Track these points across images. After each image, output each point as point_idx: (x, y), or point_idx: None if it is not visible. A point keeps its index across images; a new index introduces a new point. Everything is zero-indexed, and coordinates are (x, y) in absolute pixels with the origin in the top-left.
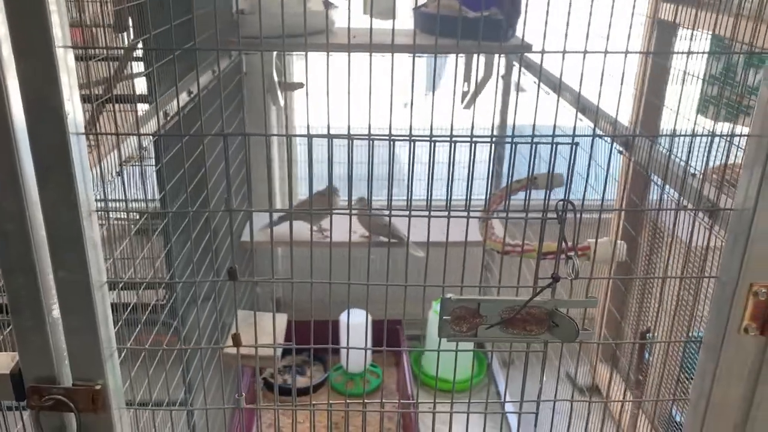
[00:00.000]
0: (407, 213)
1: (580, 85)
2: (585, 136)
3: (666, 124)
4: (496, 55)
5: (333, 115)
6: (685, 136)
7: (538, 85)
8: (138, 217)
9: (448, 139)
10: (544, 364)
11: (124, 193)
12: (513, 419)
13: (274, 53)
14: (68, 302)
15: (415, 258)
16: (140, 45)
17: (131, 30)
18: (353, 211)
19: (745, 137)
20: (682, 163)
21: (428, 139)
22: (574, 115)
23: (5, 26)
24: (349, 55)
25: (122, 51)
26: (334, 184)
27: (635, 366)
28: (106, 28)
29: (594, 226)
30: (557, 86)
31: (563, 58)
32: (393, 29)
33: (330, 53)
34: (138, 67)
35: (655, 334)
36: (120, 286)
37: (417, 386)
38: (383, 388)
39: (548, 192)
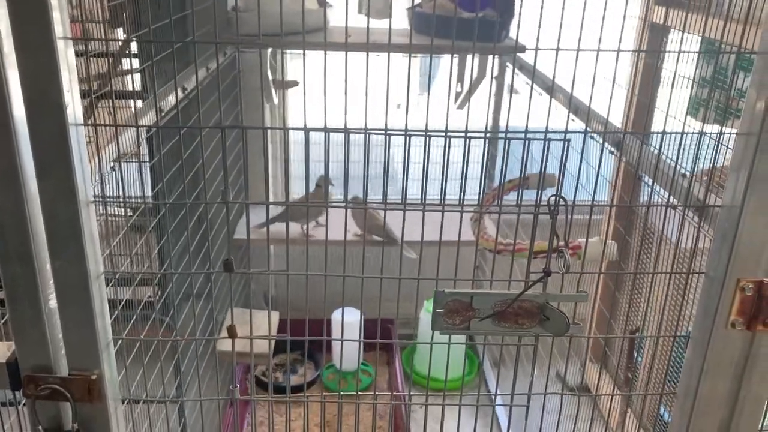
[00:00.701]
0: (402, 207)
1: (573, 82)
2: (577, 132)
3: (657, 125)
4: (490, 56)
5: (329, 113)
6: (674, 133)
7: (531, 85)
8: (132, 213)
9: (443, 133)
10: (534, 357)
11: (123, 186)
12: (503, 420)
13: (269, 51)
14: (65, 292)
15: (408, 259)
16: (132, 41)
17: (126, 26)
18: (349, 208)
19: (734, 136)
20: (672, 163)
21: (423, 133)
22: (566, 115)
23: (6, 18)
24: (346, 54)
25: (118, 46)
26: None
27: (624, 364)
28: (101, 24)
29: (585, 226)
30: (550, 87)
31: (557, 56)
32: (390, 29)
33: (322, 52)
34: (132, 63)
35: (644, 332)
36: (114, 279)
37: (409, 386)
38: (375, 387)
39: (540, 188)
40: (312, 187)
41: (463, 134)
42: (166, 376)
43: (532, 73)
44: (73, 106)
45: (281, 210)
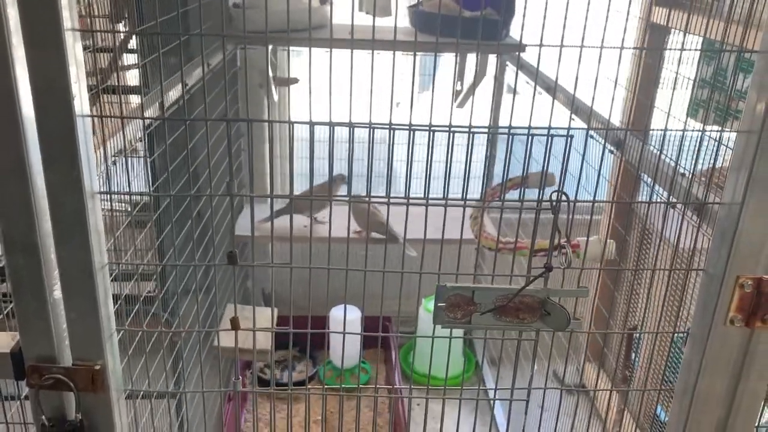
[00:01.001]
0: (405, 202)
1: (576, 79)
2: (579, 129)
3: (657, 125)
4: (490, 55)
5: (331, 111)
6: (676, 131)
7: (535, 82)
8: (130, 209)
9: (447, 128)
10: (535, 352)
11: (128, 178)
12: (502, 421)
13: (269, 48)
14: (70, 282)
15: (408, 257)
16: (140, 33)
17: (129, 20)
18: (353, 202)
19: (734, 135)
20: (672, 163)
21: (427, 128)
22: (567, 116)
23: (15, 9)
24: (352, 51)
25: (118, 40)
26: (340, 172)
27: (622, 362)
28: (103, 19)
29: (585, 226)
30: (549, 86)
31: (560, 53)
32: (395, 27)
33: (323, 49)
34: (131, 59)
35: (642, 329)
36: (118, 269)
37: (409, 384)
38: (376, 383)
39: (542, 187)
40: (317, 182)
41: (466, 129)
42: (167, 368)
43: (536, 70)
44: (80, 97)
45: (284, 205)
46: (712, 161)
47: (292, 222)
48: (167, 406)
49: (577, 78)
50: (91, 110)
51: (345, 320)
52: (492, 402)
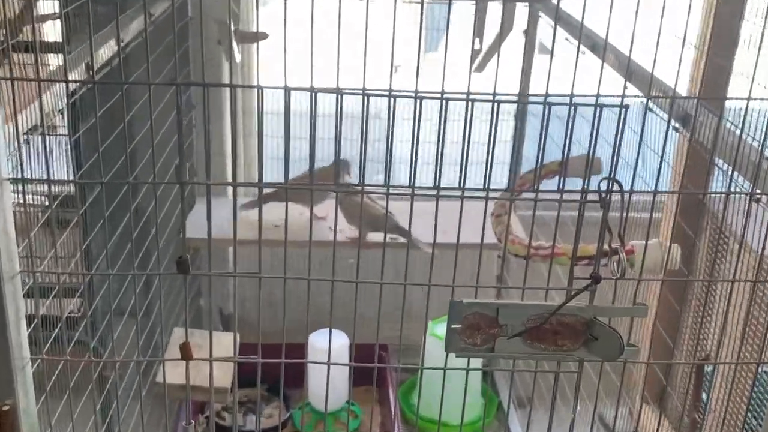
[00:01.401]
0: (410, 192)
1: (633, 34)
2: (636, 96)
3: (736, 94)
4: (519, 4)
5: (310, 74)
6: (762, 100)
7: (579, 39)
8: (48, 202)
9: (465, 96)
10: (577, 390)
11: (46, 161)
12: None
13: None
14: None
15: (414, 261)
16: None
17: None
18: (343, 196)
19: None
20: (756, 144)
21: (439, 96)
22: (620, 83)
23: None
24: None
25: None
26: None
27: (690, 403)
28: None
29: (642, 226)
30: (597, 44)
31: None
32: None
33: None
34: (50, 7)
35: (717, 360)
36: (29, 285)
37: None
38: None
39: (587, 174)
40: (298, 170)
41: (490, 98)
42: (96, 410)
43: (580, 23)
44: None
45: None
46: None
47: (261, 218)
48: None
49: (633, 33)
50: None
51: (330, 348)
52: None
